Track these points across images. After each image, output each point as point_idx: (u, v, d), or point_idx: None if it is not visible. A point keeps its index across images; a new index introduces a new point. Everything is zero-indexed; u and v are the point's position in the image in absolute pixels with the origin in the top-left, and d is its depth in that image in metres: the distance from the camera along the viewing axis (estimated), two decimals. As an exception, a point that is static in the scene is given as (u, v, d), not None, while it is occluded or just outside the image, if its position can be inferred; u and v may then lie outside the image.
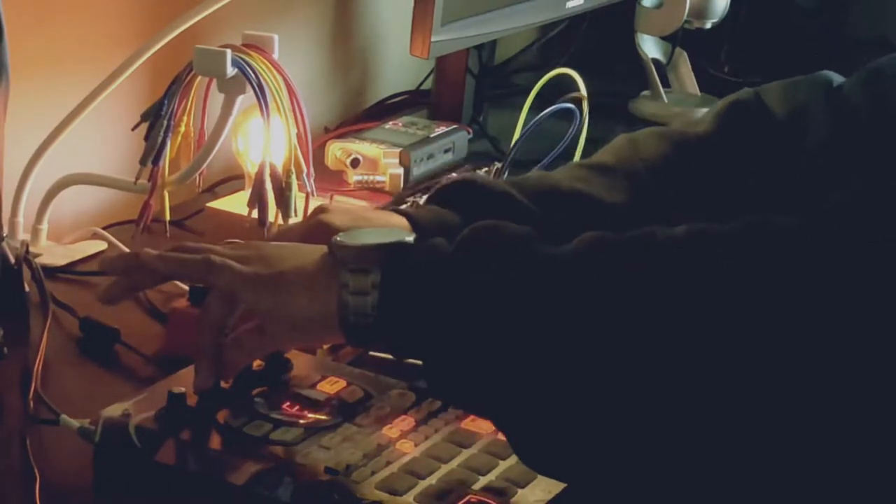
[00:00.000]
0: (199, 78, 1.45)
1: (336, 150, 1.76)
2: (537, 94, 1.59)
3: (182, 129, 1.46)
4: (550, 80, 1.61)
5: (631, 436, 0.94)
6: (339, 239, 1.05)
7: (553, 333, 0.95)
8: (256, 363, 1.18)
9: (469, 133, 1.90)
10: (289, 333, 1.08)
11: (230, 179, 1.72)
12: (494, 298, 0.97)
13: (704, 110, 2.14)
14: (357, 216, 1.21)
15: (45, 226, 1.54)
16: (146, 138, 1.45)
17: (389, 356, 1.09)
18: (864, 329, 0.88)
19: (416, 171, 1.76)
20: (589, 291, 0.95)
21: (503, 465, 1.09)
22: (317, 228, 1.19)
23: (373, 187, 1.73)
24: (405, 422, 1.13)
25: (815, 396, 0.89)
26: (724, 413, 0.91)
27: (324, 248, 1.07)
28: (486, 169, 1.65)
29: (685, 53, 2.23)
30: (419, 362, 1.02)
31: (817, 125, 1.24)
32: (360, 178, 1.73)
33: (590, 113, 1.62)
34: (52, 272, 1.48)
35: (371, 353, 1.33)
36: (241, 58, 1.43)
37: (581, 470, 0.98)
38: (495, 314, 0.97)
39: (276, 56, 1.46)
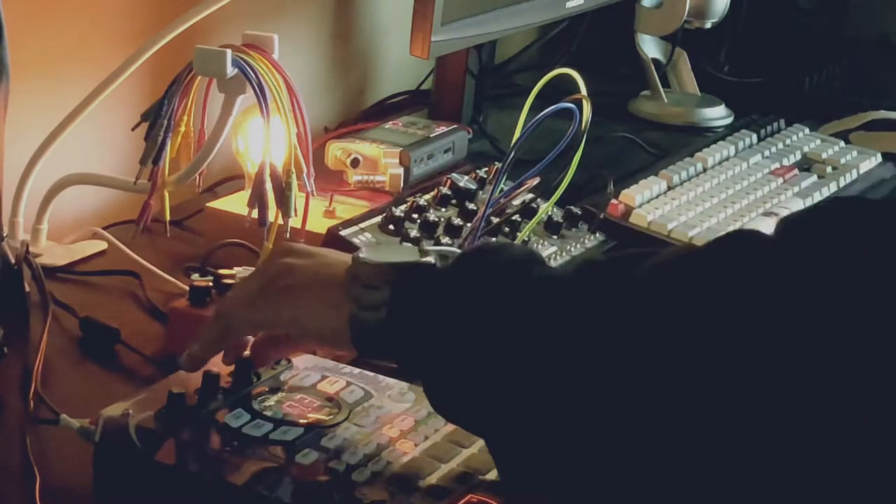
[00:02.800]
0: (199, 78, 1.45)
1: (336, 150, 1.76)
2: (537, 94, 1.59)
3: (182, 129, 1.46)
4: (550, 80, 1.60)
5: (613, 452, 0.96)
6: (360, 255, 1.08)
7: (535, 353, 0.98)
8: (256, 363, 1.18)
9: (469, 133, 1.90)
10: (304, 341, 1.14)
11: (230, 179, 1.72)
12: (489, 318, 1.00)
13: (704, 110, 2.16)
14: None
15: (45, 226, 1.54)
16: (146, 138, 1.45)
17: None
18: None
19: (416, 171, 1.76)
20: (565, 313, 0.98)
21: (503, 465, 1.09)
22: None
23: (373, 187, 1.73)
24: (405, 422, 1.13)
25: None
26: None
27: (347, 260, 1.10)
28: (486, 169, 1.65)
29: (685, 53, 2.23)
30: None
31: None
32: (360, 178, 1.73)
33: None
34: (52, 272, 1.48)
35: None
36: (241, 58, 1.43)
37: (558, 483, 1.00)
38: (489, 333, 1.00)
39: (276, 56, 1.46)
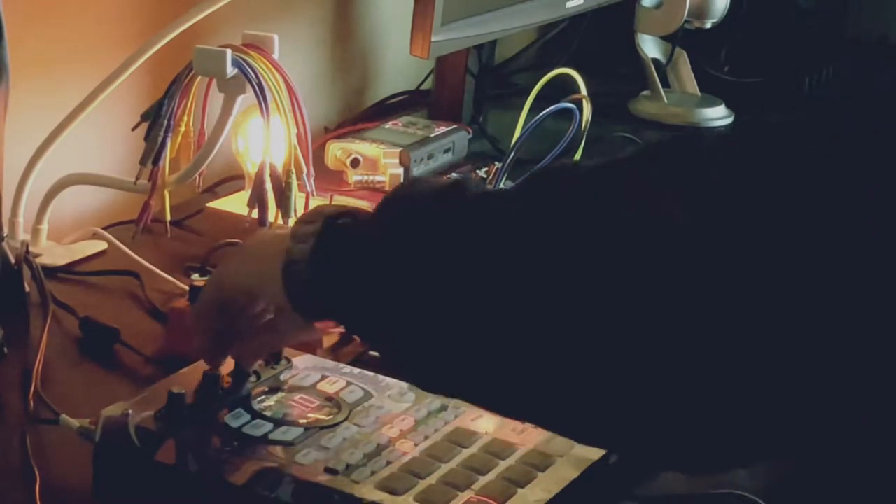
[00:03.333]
0: (199, 78, 1.45)
1: (336, 150, 1.76)
2: (537, 94, 1.59)
3: (182, 129, 1.46)
4: (550, 80, 1.60)
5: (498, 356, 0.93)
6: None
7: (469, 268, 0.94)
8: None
9: (469, 133, 1.90)
10: (244, 295, 1.10)
11: (230, 179, 1.72)
12: (405, 235, 0.98)
13: (704, 110, 2.16)
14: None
15: (45, 226, 1.54)
16: (146, 138, 1.45)
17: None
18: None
19: (416, 171, 1.76)
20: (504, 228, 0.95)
21: (503, 465, 1.09)
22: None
23: (373, 187, 1.73)
24: (405, 422, 1.13)
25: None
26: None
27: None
28: (486, 169, 1.65)
29: (685, 53, 2.23)
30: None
31: None
32: (360, 178, 1.73)
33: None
34: (52, 272, 1.48)
35: (371, 352, 1.34)
36: (241, 58, 1.43)
37: (459, 383, 0.98)
38: (406, 251, 0.97)
39: (276, 56, 1.46)
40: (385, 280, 0.98)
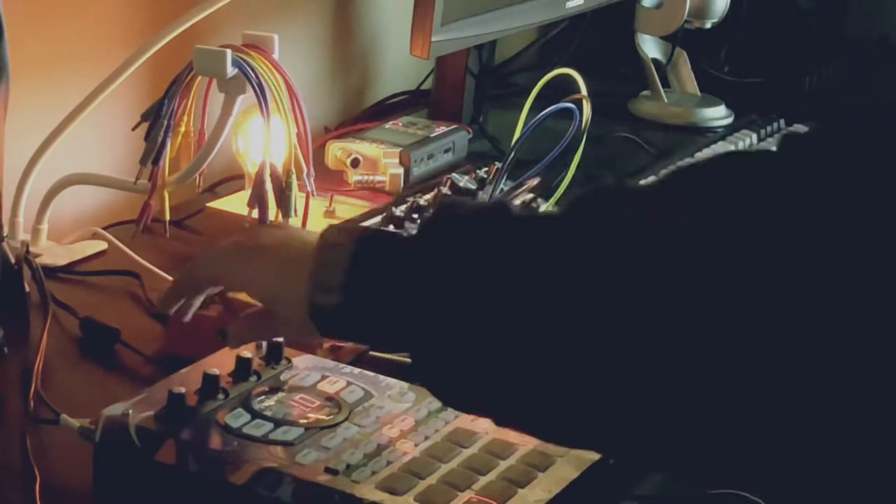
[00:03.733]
0: (199, 78, 1.45)
1: (336, 150, 1.76)
2: (537, 94, 1.59)
3: (182, 129, 1.46)
4: (550, 80, 1.60)
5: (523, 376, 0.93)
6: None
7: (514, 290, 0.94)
8: (257, 362, 1.18)
9: (469, 133, 1.90)
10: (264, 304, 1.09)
11: (230, 179, 1.72)
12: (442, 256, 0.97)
13: (704, 110, 2.16)
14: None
15: (45, 226, 1.54)
16: (146, 138, 1.45)
17: (393, 356, 1.13)
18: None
19: (416, 171, 1.76)
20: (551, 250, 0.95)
21: (503, 465, 1.09)
22: None
23: (373, 187, 1.73)
24: (405, 422, 1.13)
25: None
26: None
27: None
28: (486, 169, 1.65)
29: (685, 53, 2.23)
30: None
31: None
32: (360, 178, 1.73)
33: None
34: (52, 272, 1.48)
35: (371, 352, 1.34)
36: (241, 58, 1.43)
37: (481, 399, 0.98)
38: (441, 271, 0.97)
39: (276, 56, 1.46)
40: (431, 305, 0.97)
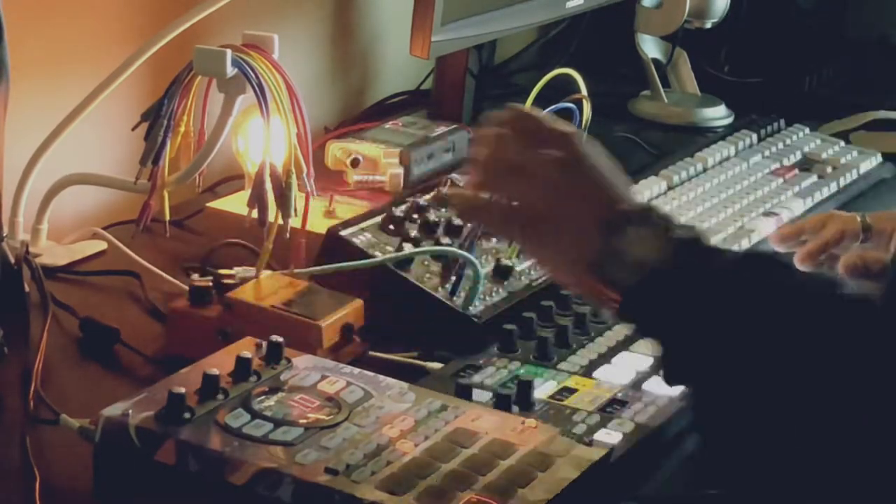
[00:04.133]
0: (199, 78, 1.45)
1: (336, 150, 1.76)
2: (537, 94, 1.59)
3: (182, 129, 1.46)
4: (550, 80, 1.60)
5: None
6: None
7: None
8: (257, 362, 1.18)
9: (469, 133, 1.90)
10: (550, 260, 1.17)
11: (230, 179, 1.72)
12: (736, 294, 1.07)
13: (704, 110, 2.16)
14: None
15: (45, 226, 1.54)
16: (146, 138, 1.45)
17: (392, 357, 1.14)
18: None
19: (416, 171, 1.76)
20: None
21: (503, 465, 1.09)
22: None
23: (373, 187, 1.73)
24: (405, 422, 1.13)
25: None
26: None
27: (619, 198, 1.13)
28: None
29: (685, 53, 2.23)
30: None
31: None
32: (360, 178, 1.73)
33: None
34: (52, 272, 1.48)
35: (371, 352, 1.34)
36: (241, 58, 1.43)
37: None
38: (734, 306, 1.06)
39: (276, 56, 1.46)
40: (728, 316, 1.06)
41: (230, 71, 1.42)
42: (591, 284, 1.11)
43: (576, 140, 1.16)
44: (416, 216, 1.53)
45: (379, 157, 1.75)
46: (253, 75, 1.42)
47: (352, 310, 1.35)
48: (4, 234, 1.38)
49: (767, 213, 1.77)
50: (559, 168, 1.14)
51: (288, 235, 1.44)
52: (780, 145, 2.00)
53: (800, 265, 1.50)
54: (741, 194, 1.81)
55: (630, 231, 1.10)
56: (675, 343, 1.09)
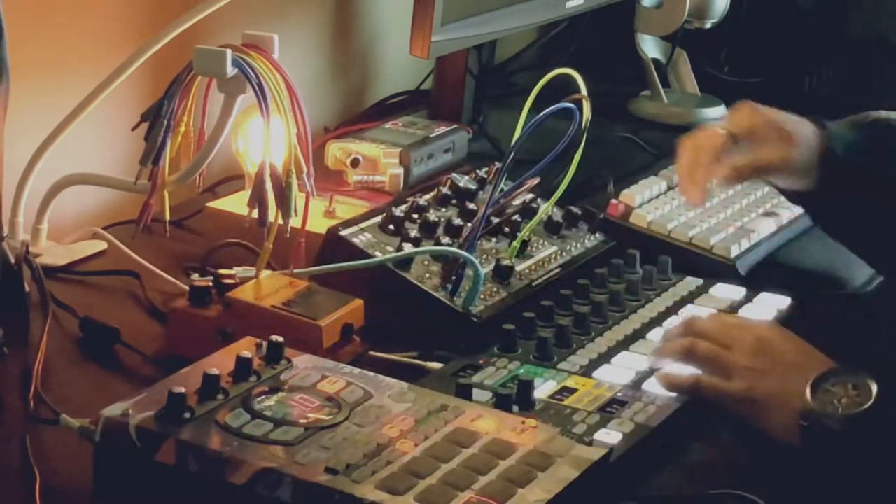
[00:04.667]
0: (199, 78, 1.45)
1: (336, 150, 1.76)
2: (537, 94, 1.59)
3: (182, 129, 1.46)
4: (550, 80, 1.60)
5: None
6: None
7: None
8: (257, 362, 1.18)
9: (469, 133, 1.90)
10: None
11: (230, 179, 1.72)
12: None
13: (704, 110, 2.16)
14: None
15: (45, 226, 1.54)
16: (146, 138, 1.45)
17: (392, 356, 1.14)
18: None
19: (416, 170, 1.76)
20: None
21: (503, 465, 1.09)
22: None
23: (373, 187, 1.73)
24: (405, 422, 1.13)
25: None
26: None
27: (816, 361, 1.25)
28: (486, 169, 1.65)
29: (685, 53, 2.23)
30: None
31: None
32: (360, 178, 1.73)
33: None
34: (52, 272, 1.48)
35: (371, 352, 1.34)
36: (241, 58, 1.43)
37: None
38: None
39: (276, 56, 1.46)
40: None
41: (230, 71, 1.42)
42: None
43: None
44: (416, 216, 1.53)
45: (379, 157, 1.75)
46: (253, 75, 1.42)
47: (352, 310, 1.35)
48: (4, 234, 1.38)
49: (767, 213, 1.77)
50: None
51: (288, 235, 1.44)
52: (780, 145, 2.00)
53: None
54: (741, 194, 1.81)
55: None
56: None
